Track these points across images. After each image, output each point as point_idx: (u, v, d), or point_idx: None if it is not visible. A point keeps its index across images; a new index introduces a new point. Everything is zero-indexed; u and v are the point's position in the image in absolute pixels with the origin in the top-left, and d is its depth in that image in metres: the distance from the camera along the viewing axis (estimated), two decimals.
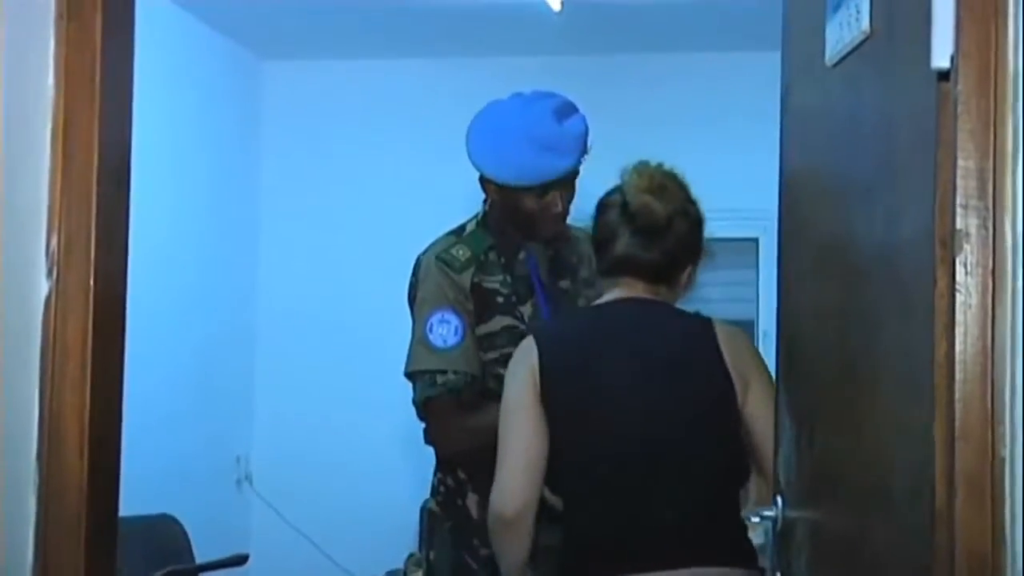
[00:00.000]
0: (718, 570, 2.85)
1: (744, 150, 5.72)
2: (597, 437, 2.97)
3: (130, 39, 2.42)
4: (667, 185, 3.06)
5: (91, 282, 2.30)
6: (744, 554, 2.90)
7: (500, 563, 3.16)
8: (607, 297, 3.13)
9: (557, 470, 3.02)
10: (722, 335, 2.98)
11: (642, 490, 2.93)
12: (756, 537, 2.91)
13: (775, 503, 2.56)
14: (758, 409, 2.92)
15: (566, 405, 2.99)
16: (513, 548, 3.08)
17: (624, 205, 3.05)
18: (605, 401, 2.98)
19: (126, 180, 2.42)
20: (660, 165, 3.11)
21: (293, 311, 6.65)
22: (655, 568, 2.85)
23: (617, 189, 3.11)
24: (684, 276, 3.14)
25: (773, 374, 2.74)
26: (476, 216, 3.74)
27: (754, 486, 3.02)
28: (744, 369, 2.96)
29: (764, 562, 2.92)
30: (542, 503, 3.11)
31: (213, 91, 6.36)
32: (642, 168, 3.07)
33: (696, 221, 3.12)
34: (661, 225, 3.02)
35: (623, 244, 3.04)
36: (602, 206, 3.15)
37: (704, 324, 3.02)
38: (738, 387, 2.94)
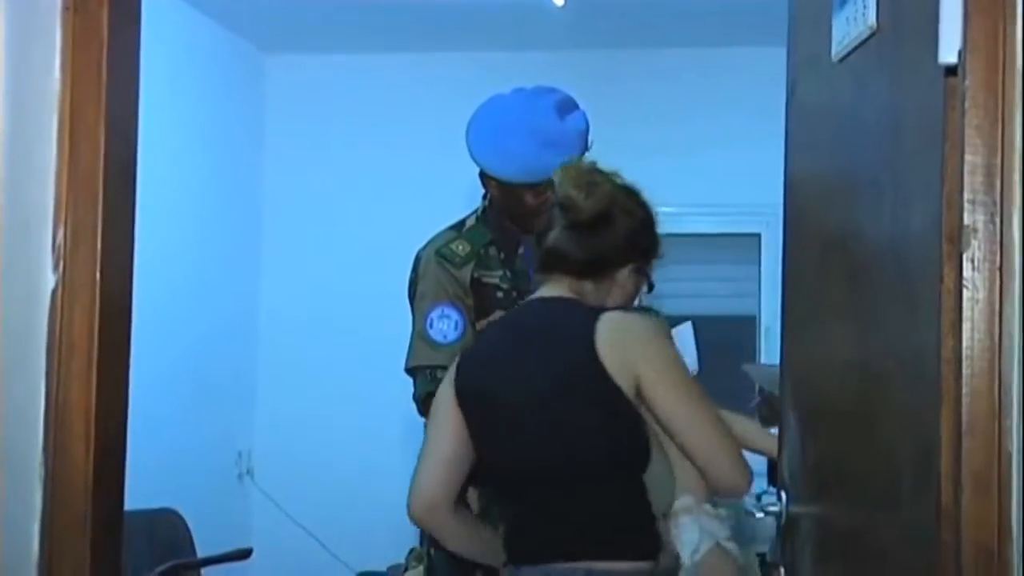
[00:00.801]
0: (614, 564, 2.85)
1: (747, 145, 5.72)
2: (496, 442, 2.99)
3: (137, 32, 2.42)
4: (597, 182, 2.99)
5: (97, 276, 2.30)
6: (641, 547, 2.87)
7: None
8: (531, 296, 3.13)
9: (480, 471, 3.07)
10: (602, 332, 2.87)
11: (538, 492, 2.95)
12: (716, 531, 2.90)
13: (779, 498, 2.56)
14: (658, 401, 2.85)
15: (473, 411, 3.01)
16: (447, 542, 3.16)
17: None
18: (500, 407, 2.99)
19: (132, 174, 2.43)
20: (593, 163, 3.05)
21: (295, 306, 6.66)
22: (555, 560, 2.87)
23: None
24: (623, 275, 3.05)
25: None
26: (476, 211, 3.74)
27: (684, 475, 2.96)
28: (630, 364, 2.85)
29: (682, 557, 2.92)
30: None
31: (216, 85, 6.36)
32: (569, 165, 3.03)
33: (640, 220, 3.04)
34: (586, 221, 2.97)
35: (551, 238, 3.01)
36: (552, 205, 3.13)
37: (585, 323, 2.91)
38: (622, 383, 2.84)
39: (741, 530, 3.28)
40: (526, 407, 2.94)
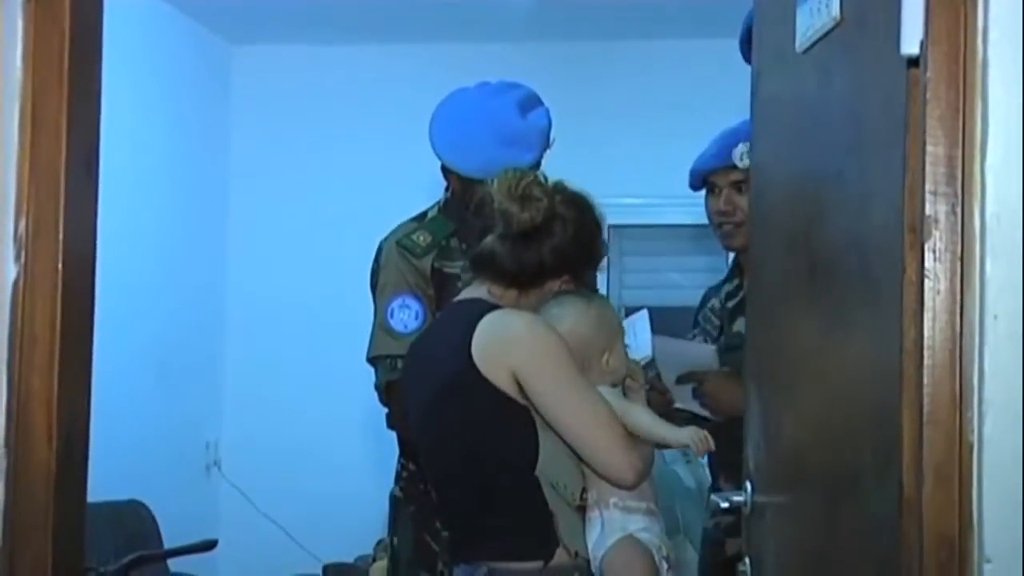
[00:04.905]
0: (511, 564, 2.86)
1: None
2: (417, 448, 3.07)
3: (99, 22, 2.40)
4: (534, 195, 2.92)
5: (59, 266, 2.28)
6: (534, 545, 2.86)
7: None
8: (457, 297, 3.13)
9: None
10: (478, 335, 2.85)
11: (443, 495, 3.02)
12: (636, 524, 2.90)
13: (744, 488, 2.57)
14: (535, 398, 2.83)
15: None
16: None
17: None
18: (411, 412, 3.06)
19: (94, 164, 2.41)
20: (532, 174, 2.99)
21: (262, 297, 6.64)
22: (463, 561, 2.94)
23: None
24: (553, 286, 3.01)
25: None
26: (438, 202, 3.75)
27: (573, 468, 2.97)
28: (504, 363, 2.83)
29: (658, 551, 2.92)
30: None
31: (182, 75, 6.33)
32: (504, 176, 2.95)
33: (573, 235, 2.97)
34: (518, 234, 2.93)
35: (486, 243, 2.98)
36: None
37: (468, 328, 2.87)
38: (500, 383, 2.82)
39: (690, 521, 3.28)
40: (423, 413, 2.99)
